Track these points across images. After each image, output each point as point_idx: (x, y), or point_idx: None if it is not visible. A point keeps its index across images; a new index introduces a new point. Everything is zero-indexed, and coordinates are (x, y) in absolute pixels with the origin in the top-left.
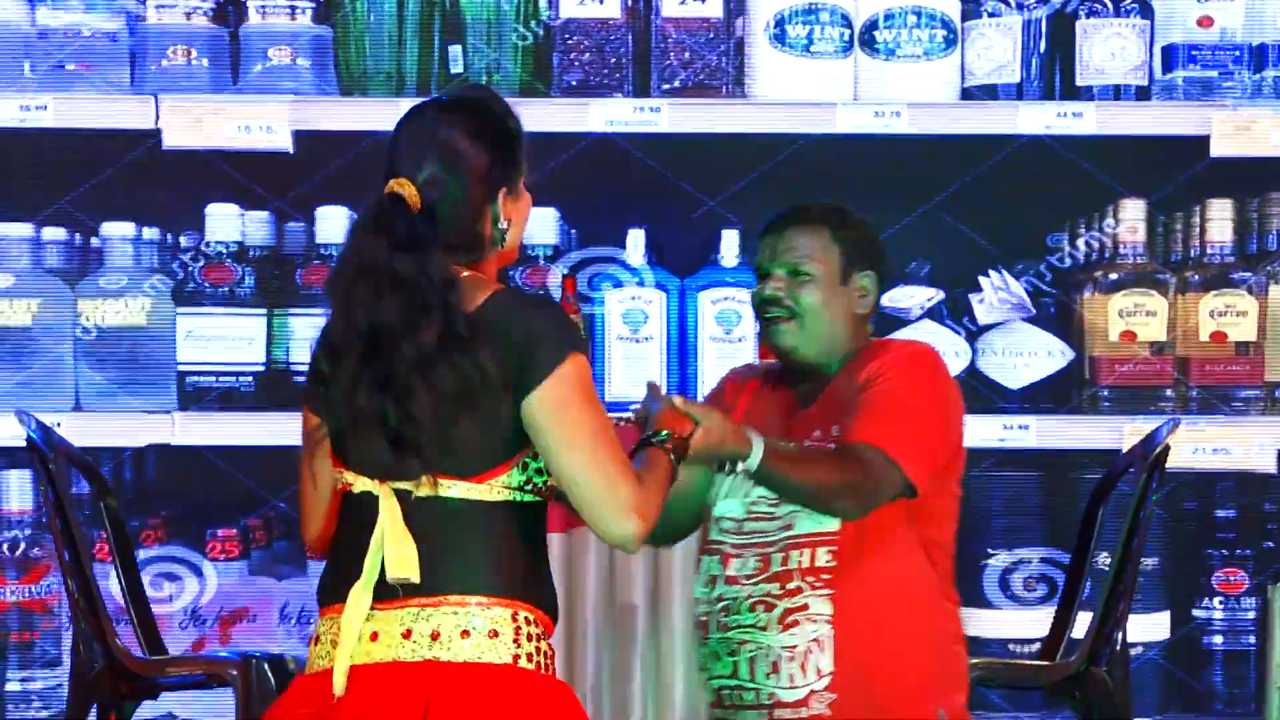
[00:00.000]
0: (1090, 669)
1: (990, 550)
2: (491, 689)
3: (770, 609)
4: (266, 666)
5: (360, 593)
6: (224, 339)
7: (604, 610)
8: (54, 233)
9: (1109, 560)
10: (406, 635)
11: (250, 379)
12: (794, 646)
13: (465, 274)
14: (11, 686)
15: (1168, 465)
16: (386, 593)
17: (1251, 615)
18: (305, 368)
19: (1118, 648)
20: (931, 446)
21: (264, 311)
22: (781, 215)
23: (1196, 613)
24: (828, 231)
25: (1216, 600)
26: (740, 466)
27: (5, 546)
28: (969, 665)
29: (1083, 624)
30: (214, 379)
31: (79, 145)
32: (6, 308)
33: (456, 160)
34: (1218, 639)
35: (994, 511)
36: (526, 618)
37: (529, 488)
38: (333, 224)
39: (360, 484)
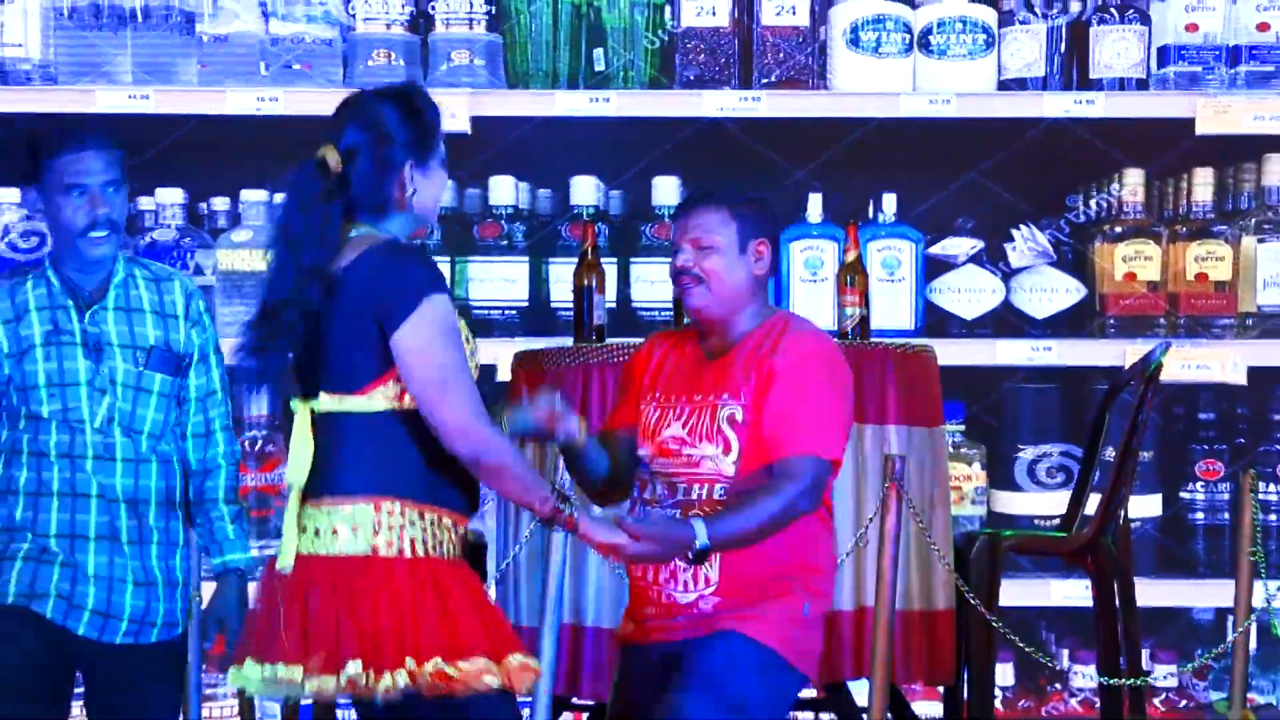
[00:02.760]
0: (1099, 539)
1: (1020, 446)
2: (344, 578)
3: None
4: None
5: (294, 495)
6: None
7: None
8: (283, 197)
9: (1114, 453)
10: (302, 530)
11: None
12: (686, 566)
13: (357, 232)
14: (252, 553)
15: (1160, 378)
16: (306, 493)
17: (1226, 497)
18: (483, 303)
19: (1120, 523)
20: (843, 428)
21: (449, 259)
22: (688, 198)
23: (1183, 495)
24: (726, 209)
25: (1199, 485)
26: (691, 556)
27: (247, 443)
28: (836, 562)
29: (1093, 504)
30: None
31: (304, 129)
32: (247, 256)
33: (370, 131)
34: (1199, 516)
35: (1022, 415)
36: (389, 509)
37: (406, 397)
38: (503, 190)
39: (294, 404)
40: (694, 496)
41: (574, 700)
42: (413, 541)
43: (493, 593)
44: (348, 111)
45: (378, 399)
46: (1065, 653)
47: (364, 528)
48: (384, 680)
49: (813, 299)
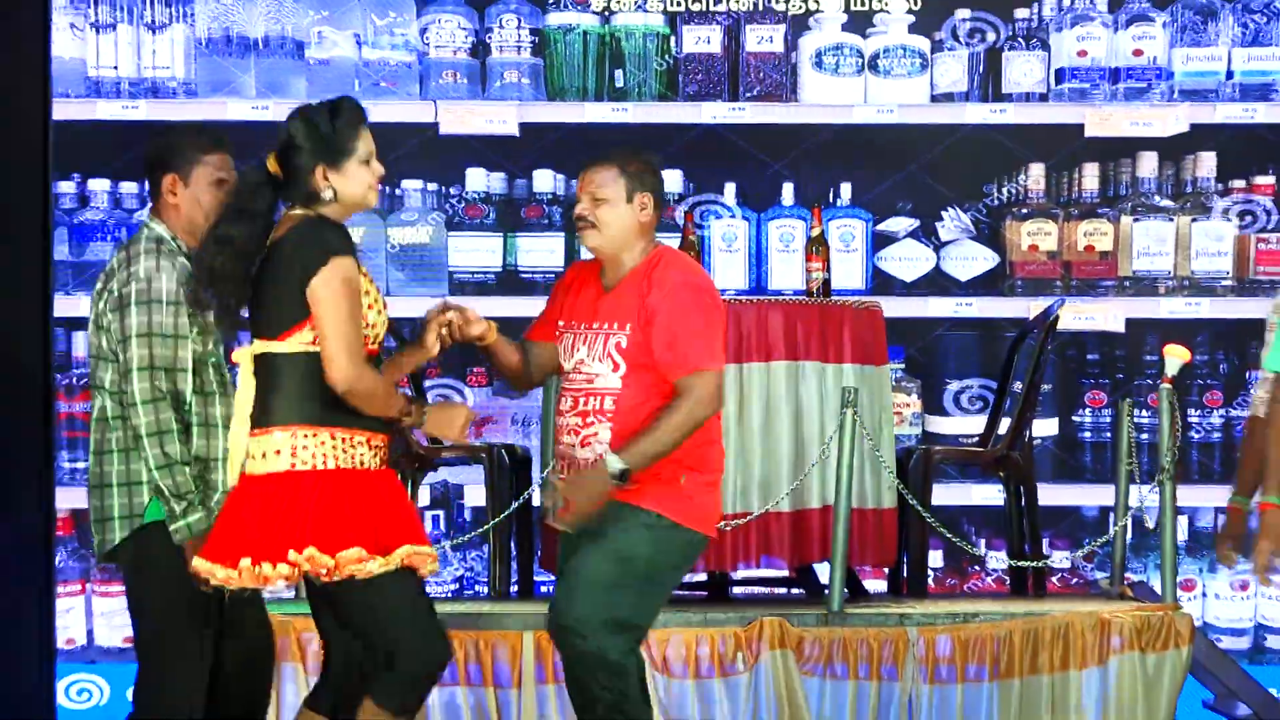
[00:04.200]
0: (1009, 453)
1: (947, 379)
2: (266, 490)
3: (576, 434)
4: (504, 451)
5: (236, 424)
6: (477, 251)
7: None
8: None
9: (1021, 386)
10: (249, 457)
11: (492, 276)
12: (588, 459)
13: (292, 212)
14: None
15: (1057, 327)
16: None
17: (1108, 420)
18: (528, 269)
19: (1026, 440)
20: (718, 338)
21: (501, 234)
22: (589, 159)
23: (1074, 418)
24: (616, 168)
25: (1087, 411)
26: (613, 478)
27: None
28: (724, 456)
29: (1004, 425)
30: (470, 275)
31: (390, 133)
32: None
33: (289, 141)
34: (1088, 434)
35: (950, 356)
36: (304, 434)
37: (318, 342)
38: (543, 181)
39: (238, 353)
40: (589, 406)
41: None
42: (324, 457)
43: (536, 497)
44: (282, 125)
45: (293, 343)
46: (983, 542)
47: (284, 451)
48: (276, 569)
49: (786, 265)
